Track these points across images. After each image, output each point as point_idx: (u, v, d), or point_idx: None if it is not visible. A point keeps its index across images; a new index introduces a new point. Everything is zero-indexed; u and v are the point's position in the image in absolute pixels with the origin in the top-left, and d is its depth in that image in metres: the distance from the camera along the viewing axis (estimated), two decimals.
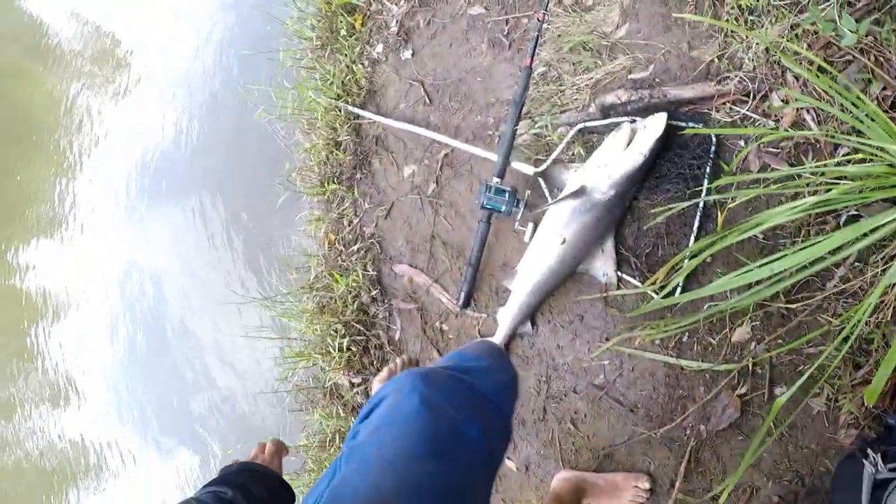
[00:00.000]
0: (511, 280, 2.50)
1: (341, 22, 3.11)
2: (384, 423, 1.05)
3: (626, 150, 2.15)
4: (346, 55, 3.09)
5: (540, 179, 2.49)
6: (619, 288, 2.38)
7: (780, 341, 2.11)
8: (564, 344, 2.54)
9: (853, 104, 1.68)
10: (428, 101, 2.86)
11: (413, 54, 2.94)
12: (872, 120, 1.64)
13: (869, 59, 1.85)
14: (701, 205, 2.21)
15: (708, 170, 2.18)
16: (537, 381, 2.59)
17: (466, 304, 2.69)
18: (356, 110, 3.00)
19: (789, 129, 2.03)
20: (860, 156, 1.70)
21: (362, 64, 3.07)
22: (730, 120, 2.15)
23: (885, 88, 1.85)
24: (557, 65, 2.48)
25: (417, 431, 1.01)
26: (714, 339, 2.23)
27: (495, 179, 2.44)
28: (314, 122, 3.15)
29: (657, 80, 2.27)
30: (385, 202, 2.95)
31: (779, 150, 2.10)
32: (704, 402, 2.24)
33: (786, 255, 1.69)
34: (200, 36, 4.44)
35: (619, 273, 2.38)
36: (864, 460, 1.70)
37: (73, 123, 5.10)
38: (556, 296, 2.52)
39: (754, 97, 2.07)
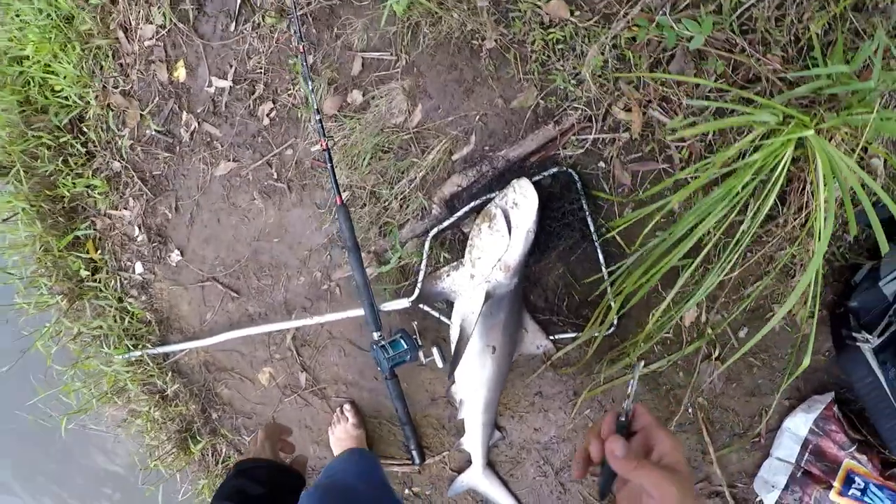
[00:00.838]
0: (461, 409, 2.13)
1: (74, 263, 2.40)
2: None
3: (510, 234, 1.85)
4: (106, 297, 2.40)
5: (422, 307, 2.13)
6: (558, 350, 2.13)
7: (723, 300, 2.03)
8: (540, 425, 2.25)
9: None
10: (234, 293, 2.31)
11: (182, 254, 2.35)
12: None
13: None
14: (595, 239, 1.99)
15: (585, 205, 1.96)
16: (538, 468, 2.30)
17: (423, 458, 2.27)
18: (161, 350, 2.36)
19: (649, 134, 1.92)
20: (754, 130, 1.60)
21: (132, 297, 2.41)
22: (582, 150, 1.93)
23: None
24: (362, 182, 2.08)
25: None
26: (669, 333, 2.08)
27: (376, 335, 2.03)
28: (125, 391, 2.43)
29: (487, 147, 1.99)
30: (263, 422, 2.38)
31: (640, 154, 1.92)
32: (692, 384, 2.13)
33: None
34: None
35: (552, 338, 2.12)
36: (857, 344, 1.89)
37: None
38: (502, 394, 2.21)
39: (596, 120, 1.87)
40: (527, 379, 2.19)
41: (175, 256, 2.35)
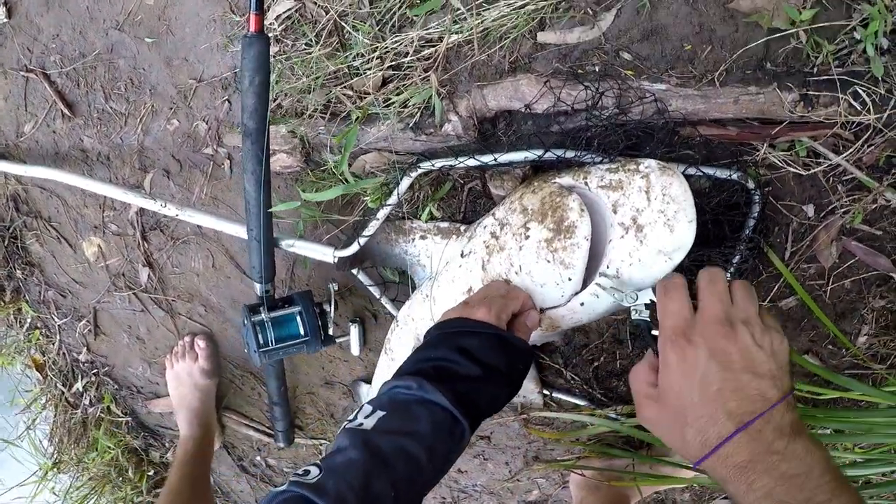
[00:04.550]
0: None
1: None
2: None
3: (589, 276, 0.79)
4: None
5: (355, 273, 1.10)
6: (549, 409, 1.16)
7: None
8: (470, 468, 1.34)
9: None
10: (67, 110, 1.24)
11: (9, 12, 1.24)
12: None
13: None
14: None
15: (736, 260, 0.95)
16: (440, 501, 1.44)
17: (290, 441, 1.39)
18: None
19: None
20: None
21: None
22: (802, 172, 0.89)
23: None
24: None
25: None
26: None
27: (259, 289, 1.03)
28: None
29: (629, 52, 0.86)
30: (81, 308, 1.42)
31: (881, 235, 0.95)
32: None
33: None
34: None
35: (547, 393, 1.14)
36: None
37: None
38: None
39: (868, 138, 0.83)
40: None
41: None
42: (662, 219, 0.74)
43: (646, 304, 0.68)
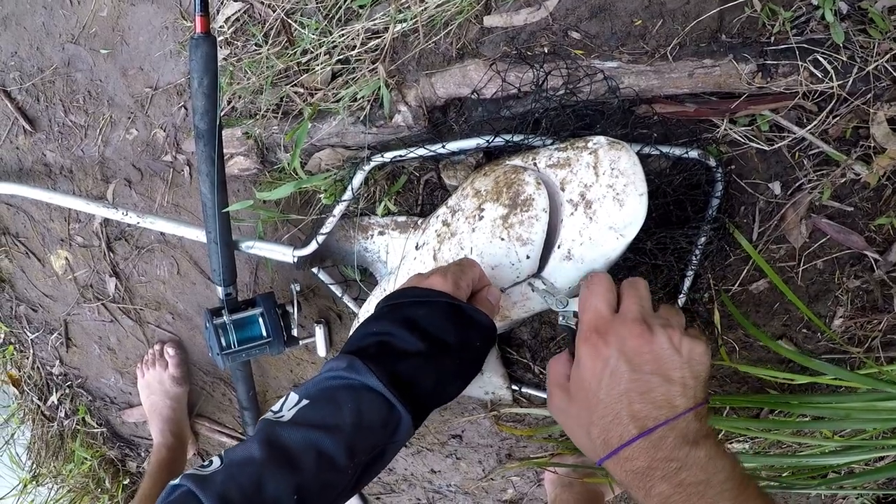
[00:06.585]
0: None
1: None
2: None
3: (545, 252, 0.73)
4: None
5: (316, 273, 1.06)
6: (520, 405, 1.12)
7: None
8: (443, 468, 1.28)
9: None
10: (28, 126, 1.21)
11: None
12: None
13: None
14: (683, 290, 0.95)
15: (702, 241, 0.88)
16: (415, 503, 1.38)
17: None
18: None
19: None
20: None
21: None
22: (766, 147, 0.83)
23: None
24: None
25: None
26: None
27: (220, 291, 0.98)
28: None
29: (577, 31, 0.80)
30: (52, 322, 1.36)
31: (850, 215, 0.88)
32: None
33: None
34: None
35: (516, 389, 1.10)
36: None
37: None
38: None
39: (832, 108, 0.78)
40: (449, 417, 1.19)
41: None
42: (612, 193, 0.68)
43: (574, 312, 0.64)
